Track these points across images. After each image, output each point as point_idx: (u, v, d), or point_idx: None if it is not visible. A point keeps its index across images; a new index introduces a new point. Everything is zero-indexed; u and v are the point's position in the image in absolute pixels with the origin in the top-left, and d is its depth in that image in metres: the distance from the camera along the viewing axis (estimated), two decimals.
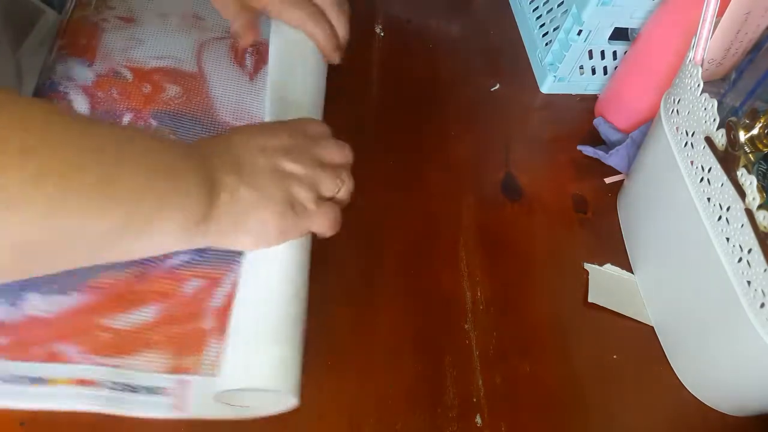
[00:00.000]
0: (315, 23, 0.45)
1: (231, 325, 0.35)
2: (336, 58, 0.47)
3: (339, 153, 0.39)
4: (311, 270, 0.43)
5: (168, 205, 0.31)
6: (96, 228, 0.28)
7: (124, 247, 0.30)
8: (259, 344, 0.34)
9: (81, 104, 0.43)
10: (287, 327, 0.34)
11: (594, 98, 0.58)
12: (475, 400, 0.40)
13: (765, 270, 0.34)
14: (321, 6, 0.46)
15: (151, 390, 0.35)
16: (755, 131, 0.36)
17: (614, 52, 0.56)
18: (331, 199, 0.38)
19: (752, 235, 0.34)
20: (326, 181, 0.37)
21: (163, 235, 0.31)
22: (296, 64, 0.45)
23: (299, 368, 0.34)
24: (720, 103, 0.38)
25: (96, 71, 0.45)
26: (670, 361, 0.44)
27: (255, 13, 0.46)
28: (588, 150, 0.54)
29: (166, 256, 0.39)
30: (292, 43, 0.46)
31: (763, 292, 0.34)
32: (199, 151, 0.34)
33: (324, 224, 0.37)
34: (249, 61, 0.50)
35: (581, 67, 0.56)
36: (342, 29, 0.47)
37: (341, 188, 0.38)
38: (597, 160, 0.54)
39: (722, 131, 0.37)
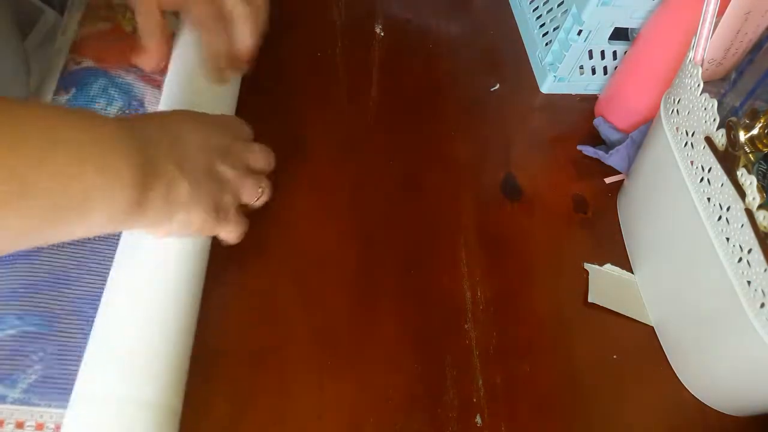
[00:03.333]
0: (209, 29, 0.42)
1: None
2: (220, 79, 0.43)
3: (265, 159, 0.39)
4: (312, 270, 0.43)
5: (95, 194, 0.29)
6: (16, 221, 0.27)
7: (49, 234, 0.29)
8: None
9: None
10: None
11: (594, 98, 0.58)
12: (475, 400, 0.40)
13: (765, 270, 0.34)
14: (229, 6, 0.42)
15: None
16: (755, 131, 0.36)
17: (614, 52, 0.56)
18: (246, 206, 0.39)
19: (752, 235, 0.34)
20: (249, 188, 0.38)
21: (92, 222, 0.30)
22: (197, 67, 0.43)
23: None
24: (720, 103, 0.38)
25: None
26: (670, 361, 0.44)
27: (161, 13, 0.43)
28: (588, 150, 0.54)
29: None
30: (196, 44, 0.44)
31: (763, 292, 0.34)
32: (135, 133, 0.32)
33: (233, 234, 0.37)
34: None
35: (581, 67, 0.56)
36: (246, 37, 0.43)
37: (260, 197, 0.39)
38: (597, 160, 0.54)
39: (722, 131, 0.37)
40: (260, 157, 0.39)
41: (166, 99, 0.43)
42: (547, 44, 0.57)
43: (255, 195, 0.38)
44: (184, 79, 0.43)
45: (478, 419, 0.39)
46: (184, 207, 0.33)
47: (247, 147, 0.38)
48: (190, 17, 0.44)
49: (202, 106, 0.40)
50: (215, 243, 0.40)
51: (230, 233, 0.37)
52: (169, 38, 0.45)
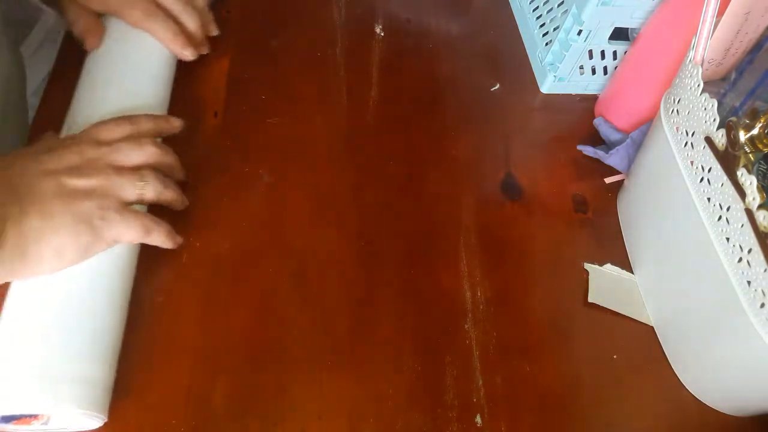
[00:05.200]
0: (153, 21, 0.45)
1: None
2: (188, 54, 0.47)
3: (138, 153, 0.38)
4: (311, 270, 0.43)
5: None
6: None
7: None
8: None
9: None
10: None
11: (594, 98, 0.58)
12: (475, 400, 0.40)
13: (765, 270, 0.34)
14: (163, 2, 0.45)
15: None
16: (755, 131, 0.36)
17: (614, 52, 0.56)
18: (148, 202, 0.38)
19: (752, 235, 0.34)
20: (125, 185, 0.36)
21: None
22: (126, 67, 0.44)
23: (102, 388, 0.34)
24: (720, 103, 0.38)
25: None
26: (670, 361, 0.44)
27: (95, 14, 0.45)
28: (588, 150, 0.54)
29: None
30: (123, 43, 0.45)
31: (763, 292, 0.34)
32: None
33: (129, 232, 0.36)
34: None
35: (581, 67, 0.56)
36: (191, 22, 0.47)
37: (145, 188, 0.37)
38: (597, 160, 0.54)
39: (722, 131, 0.37)
40: (131, 153, 0.38)
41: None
42: (547, 44, 0.57)
43: (135, 188, 0.37)
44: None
45: (478, 419, 0.39)
46: (44, 239, 0.33)
47: (112, 149, 0.37)
48: (129, 21, 0.45)
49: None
50: (223, 247, 0.41)
51: (126, 234, 0.36)
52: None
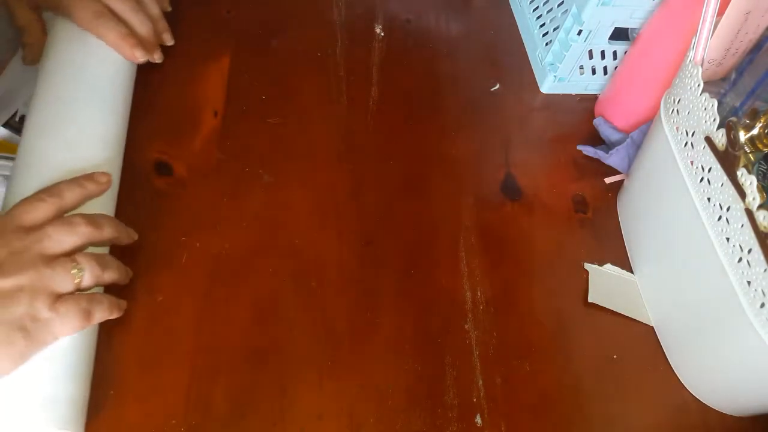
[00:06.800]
0: (102, 22, 0.43)
1: None
2: (139, 56, 0.45)
3: (68, 236, 0.34)
4: (311, 270, 0.43)
5: None
6: None
7: None
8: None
9: None
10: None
11: (594, 98, 0.58)
12: (475, 400, 0.40)
13: (765, 270, 0.34)
14: (109, 4, 0.44)
15: None
16: (755, 131, 0.36)
17: (614, 52, 0.56)
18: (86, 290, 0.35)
19: (752, 235, 0.34)
20: (57, 277, 0.33)
21: None
22: (77, 72, 0.42)
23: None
24: (720, 103, 0.38)
25: None
26: (670, 361, 0.44)
27: (42, 21, 0.44)
28: (588, 150, 0.54)
29: None
30: (70, 54, 0.43)
31: (763, 292, 0.34)
32: None
33: (67, 327, 0.33)
34: None
35: (581, 67, 0.56)
36: (142, 27, 0.45)
37: (81, 275, 0.34)
38: (597, 160, 0.54)
39: (722, 131, 0.37)
40: (61, 237, 0.34)
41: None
42: (547, 44, 0.57)
43: (70, 278, 0.33)
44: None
45: (478, 419, 0.39)
46: None
47: (39, 236, 0.33)
48: (74, 19, 0.43)
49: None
50: (223, 247, 0.40)
51: (67, 328, 0.33)
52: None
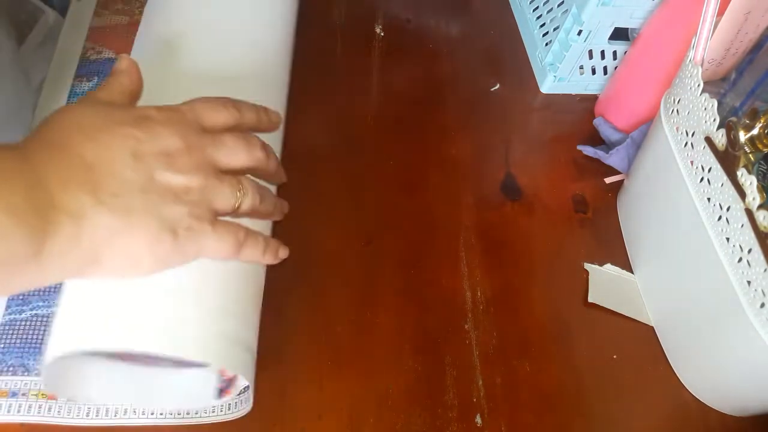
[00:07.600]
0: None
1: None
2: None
3: (244, 153, 0.31)
4: (312, 270, 0.43)
5: None
6: None
7: None
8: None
9: None
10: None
11: (594, 98, 0.58)
12: (475, 400, 0.40)
13: (765, 270, 0.34)
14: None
15: None
16: (755, 131, 0.36)
17: (614, 52, 0.56)
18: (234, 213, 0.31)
19: (752, 235, 0.34)
20: (223, 192, 0.30)
21: None
22: None
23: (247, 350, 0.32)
24: (720, 103, 0.38)
25: None
26: (670, 361, 0.44)
27: None
28: (588, 150, 0.54)
29: None
30: None
31: (763, 292, 0.34)
32: (24, 164, 0.25)
33: (219, 249, 0.30)
34: None
35: (581, 67, 0.56)
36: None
37: (241, 200, 0.31)
38: (597, 160, 0.54)
39: (722, 131, 0.37)
40: (237, 151, 0.31)
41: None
42: (547, 44, 0.57)
43: (233, 199, 0.30)
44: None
45: (478, 419, 0.39)
46: (116, 240, 0.27)
47: (215, 141, 0.30)
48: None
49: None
50: None
51: (215, 250, 0.30)
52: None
